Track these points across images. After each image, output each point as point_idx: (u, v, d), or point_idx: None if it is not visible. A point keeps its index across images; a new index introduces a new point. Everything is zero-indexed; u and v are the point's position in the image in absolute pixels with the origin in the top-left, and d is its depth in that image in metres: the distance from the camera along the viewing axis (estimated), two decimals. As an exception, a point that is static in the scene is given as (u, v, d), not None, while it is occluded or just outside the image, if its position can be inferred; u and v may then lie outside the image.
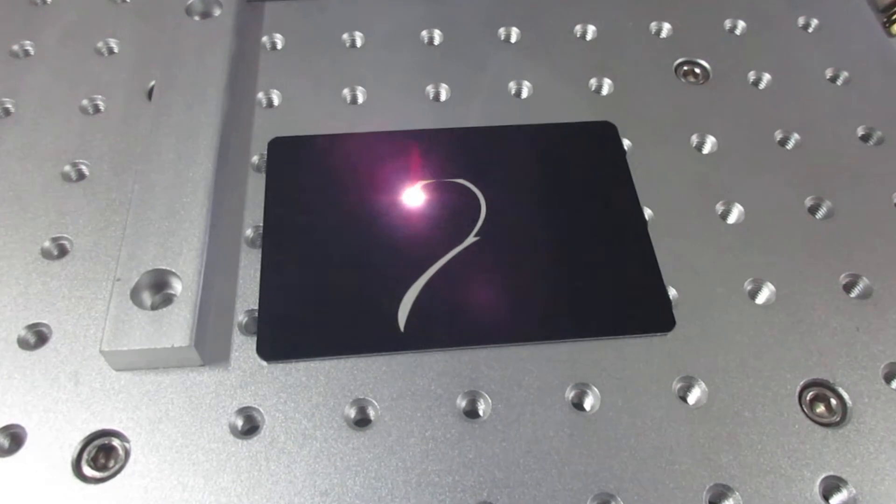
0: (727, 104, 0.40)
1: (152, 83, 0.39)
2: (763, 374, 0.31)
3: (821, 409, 0.31)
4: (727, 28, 0.44)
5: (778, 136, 0.39)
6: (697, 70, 0.42)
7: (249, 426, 0.30)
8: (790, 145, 0.39)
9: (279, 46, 0.42)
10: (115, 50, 0.42)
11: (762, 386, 0.31)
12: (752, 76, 0.42)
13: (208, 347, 0.31)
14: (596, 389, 0.31)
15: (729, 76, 0.42)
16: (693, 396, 0.31)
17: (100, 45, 0.42)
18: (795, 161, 0.38)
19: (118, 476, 0.28)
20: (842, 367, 0.31)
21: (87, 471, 0.28)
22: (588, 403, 0.31)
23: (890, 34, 0.44)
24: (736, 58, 0.43)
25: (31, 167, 0.37)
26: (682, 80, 0.42)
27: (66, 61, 0.41)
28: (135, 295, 0.31)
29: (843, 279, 0.34)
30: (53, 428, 0.29)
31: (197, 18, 0.41)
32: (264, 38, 0.43)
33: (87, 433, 0.29)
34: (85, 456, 0.29)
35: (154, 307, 0.31)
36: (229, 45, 0.39)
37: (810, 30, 0.44)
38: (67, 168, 0.37)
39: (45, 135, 0.38)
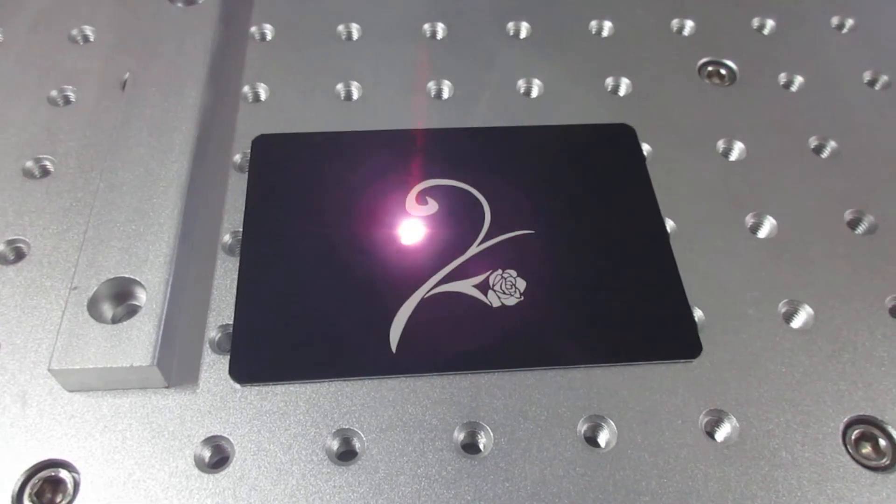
0: (756, 108, 0.37)
1: (128, 74, 0.36)
2: (801, 408, 0.28)
3: (867, 449, 0.27)
4: (755, 26, 0.41)
5: (812, 143, 0.36)
6: (723, 71, 0.39)
7: (218, 458, 0.27)
8: (826, 153, 0.35)
9: (268, 37, 0.39)
10: (91, 38, 0.39)
11: (801, 422, 0.27)
12: (782, 78, 0.38)
13: (174, 367, 0.28)
14: (612, 422, 0.27)
15: (757, 78, 0.38)
16: (722, 432, 0.27)
17: (74, 31, 0.39)
18: (832, 171, 0.35)
19: (64, 514, 0.25)
20: (891, 402, 0.28)
21: (30, 507, 0.25)
22: (603, 438, 0.27)
23: (933, 35, 0.41)
24: (765, 58, 0.39)
25: (-10, 161, 0.33)
26: (707, 81, 0.38)
27: (37, 48, 0.38)
28: (92, 306, 0.27)
29: (888, 302, 0.31)
30: (-7, 456, 0.26)
31: (180, 5, 0.37)
32: (252, 28, 0.39)
33: (32, 463, 0.26)
34: (28, 490, 0.25)
35: (115, 320, 0.28)
36: (213, 34, 0.36)
37: (844, 30, 0.41)
38: (30, 164, 0.33)
39: (7, 126, 0.35)
